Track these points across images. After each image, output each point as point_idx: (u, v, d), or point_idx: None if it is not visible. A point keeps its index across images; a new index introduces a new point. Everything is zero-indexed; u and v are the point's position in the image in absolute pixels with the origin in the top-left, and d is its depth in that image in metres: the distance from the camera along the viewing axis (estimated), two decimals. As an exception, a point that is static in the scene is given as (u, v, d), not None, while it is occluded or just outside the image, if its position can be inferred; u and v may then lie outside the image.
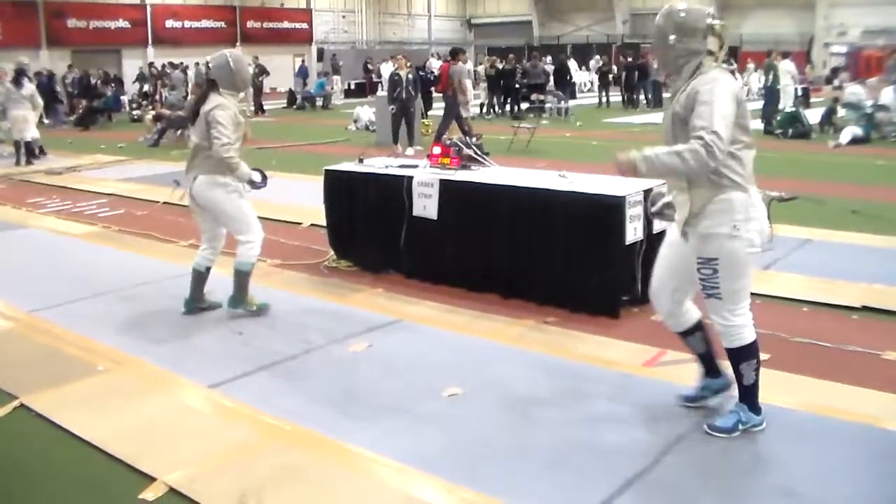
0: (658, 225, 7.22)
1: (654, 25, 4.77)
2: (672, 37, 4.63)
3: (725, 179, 4.52)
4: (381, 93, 27.72)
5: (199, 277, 7.28)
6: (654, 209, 5.24)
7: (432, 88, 25.59)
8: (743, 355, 4.76)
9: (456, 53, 21.26)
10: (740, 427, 4.83)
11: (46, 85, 28.12)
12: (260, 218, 10.06)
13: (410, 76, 19.04)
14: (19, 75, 17.80)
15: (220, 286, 7.44)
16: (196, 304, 7.33)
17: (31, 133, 17.91)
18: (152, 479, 4.42)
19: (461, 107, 19.34)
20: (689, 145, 4.38)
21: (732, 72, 5.19)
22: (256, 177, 7.04)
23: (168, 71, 31.53)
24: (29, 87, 18.02)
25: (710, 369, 5.18)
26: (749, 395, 4.85)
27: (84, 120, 27.11)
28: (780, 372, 5.67)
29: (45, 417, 5.24)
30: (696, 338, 5.13)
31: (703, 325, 5.09)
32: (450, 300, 7.55)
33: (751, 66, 36.50)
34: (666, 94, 20.48)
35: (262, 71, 32.09)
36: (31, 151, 17.98)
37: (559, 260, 7.16)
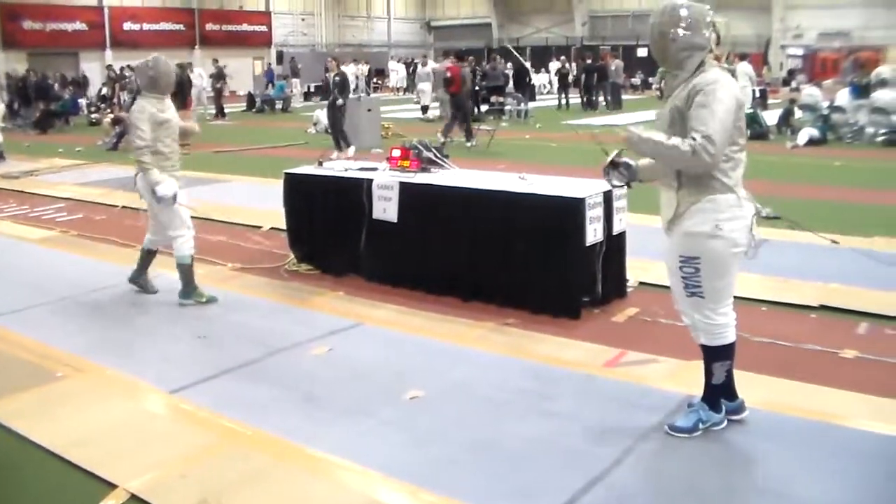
0: (618, 226, 7.29)
1: (650, 23, 4.68)
2: (672, 31, 4.54)
3: (716, 182, 4.52)
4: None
5: (146, 256, 7.94)
6: (610, 160, 5.04)
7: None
8: (719, 355, 4.78)
9: (462, 57, 23.10)
10: (700, 426, 4.86)
11: (20, 87, 28.12)
12: (219, 222, 10.00)
13: (337, 78, 18.66)
14: None
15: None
16: (138, 277, 7.97)
17: None
18: (113, 487, 4.39)
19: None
20: (681, 144, 4.37)
21: (732, 72, 5.16)
22: (161, 189, 7.31)
23: (126, 74, 31.24)
24: None
25: (728, 391, 5.02)
26: (713, 395, 4.88)
27: (41, 123, 26.80)
28: (740, 371, 5.69)
29: (2, 425, 5.17)
30: None
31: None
32: (410, 303, 7.55)
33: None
34: (630, 96, 20.62)
35: (220, 75, 31.92)
36: None
37: (519, 262, 7.17)
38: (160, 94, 7.52)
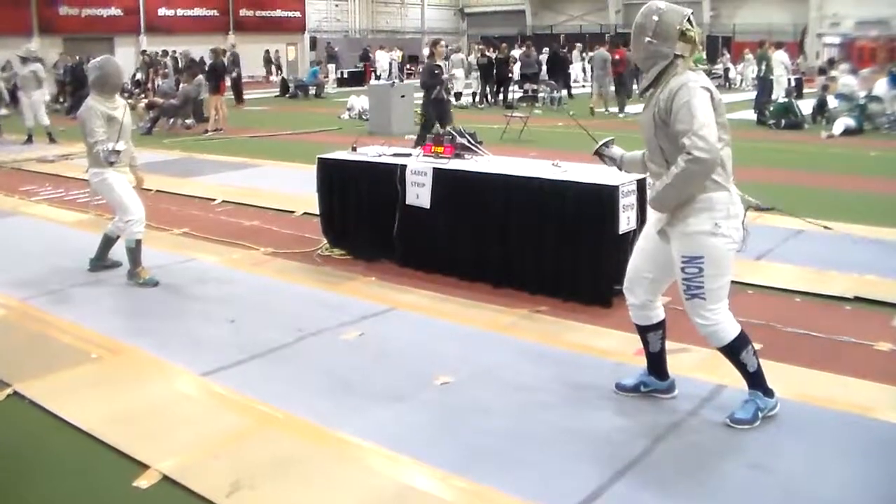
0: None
1: (636, 21, 4.82)
2: (647, 38, 4.68)
3: (707, 181, 4.53)
4: (374, 81, 27.71)
5: (108, 241, 8.21)
6: (595, 150, 5.44)
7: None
8: (737, 348, 4.78)
9: (627, 43, 24.20)
10: (760, 415, 4.85)
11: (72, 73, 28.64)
12: (252, 206, 10.07)
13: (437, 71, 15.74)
14: None
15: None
16: (99, 262, 8.25)
17: None
18: (146, 467, 4.43)
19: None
20: (680, 169, 4.44)
21: (709, 72, 5.27)
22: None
23: (160, 60, 31.48)
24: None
25: (658, 370, 5.27)
26: (758, 381, 4.88)
27: (76, 108, 27.00)
28: (773, 361, 5.67)
29: (38, 405, 5.24)
30: (657, 335, 5.19)
31: (665, 324, 5.18)
32: (442, 289, 7.55)
33: (749, 56, 36.47)
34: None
35: (235, 61, 31.82)
36: None
37: (552, 249, 7.16)
38: (108, 94, 7.79)
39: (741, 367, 4.84)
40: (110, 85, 7.81)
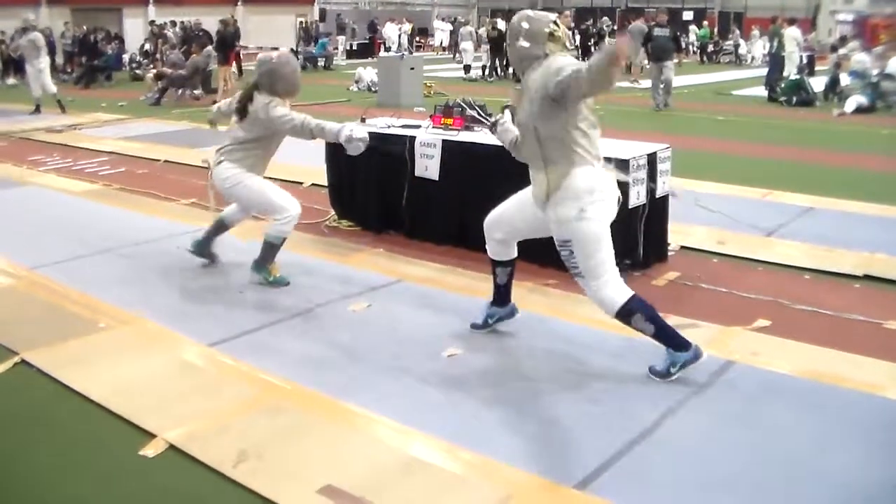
0: (661, 189, 7.22)
1: (509, 27, 5.20)
2: (515, 41, 5.09)
3: (576, 156, 4.93)
4: (384, 53, 27.58)
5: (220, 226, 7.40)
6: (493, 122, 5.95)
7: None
8: (626, 315, 5.04)
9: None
10: (673, 370, 5.06)
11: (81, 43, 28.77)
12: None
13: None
14: None
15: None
16: (204, 247, 7.43)
17: None
18: (152, 436, 4.43)
19: None
20: (582, 66, 4.59)
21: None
22: (358, 132, 6.77)
23: (166, 32, 31.35)
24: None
25: (502, 300, 5.87)
26: (664, 341, 5.09)
27: (84, 78, 26.98)
28: (781, 338, 5.68)
29: (45, 373, 5.24)
30: (507, 271, 5.80)
31: (515, 263, 5.80)
32: (450, 261, 7.54)
33: (755, 32, 36.22)
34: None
35: (236, 32, 31.48)
36: None
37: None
38: (281, 98, 7.02)
39: (640, 331, 5.09)
40: (280, 90, 7.05)
